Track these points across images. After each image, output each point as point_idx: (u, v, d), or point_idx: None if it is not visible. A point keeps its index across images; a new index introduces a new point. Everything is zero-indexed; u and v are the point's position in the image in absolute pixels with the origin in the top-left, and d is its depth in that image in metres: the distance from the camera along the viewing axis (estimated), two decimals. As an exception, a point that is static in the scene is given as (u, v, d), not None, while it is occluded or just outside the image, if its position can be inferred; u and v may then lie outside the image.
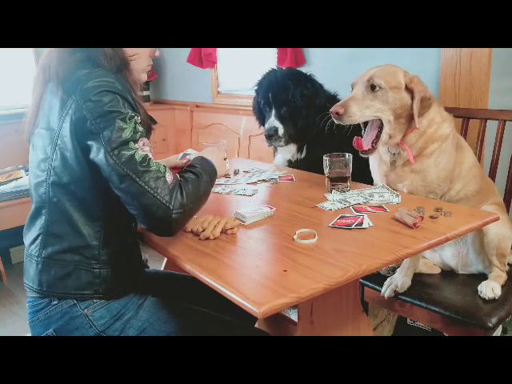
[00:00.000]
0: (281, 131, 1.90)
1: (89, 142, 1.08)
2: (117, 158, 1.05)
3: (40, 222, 1.16)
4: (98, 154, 1.07)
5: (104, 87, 1.07)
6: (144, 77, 1.29)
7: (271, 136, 1.90)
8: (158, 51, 1.31)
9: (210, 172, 1.24)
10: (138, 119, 1.11)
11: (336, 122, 1.44)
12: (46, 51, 1.20)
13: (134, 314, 1.19)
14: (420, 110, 1.42)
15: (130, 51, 1.20)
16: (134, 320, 1.18)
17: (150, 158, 1.08)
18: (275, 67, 2.04)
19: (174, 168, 1.41)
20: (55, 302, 1.15)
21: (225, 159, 1.78)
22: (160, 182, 1.06)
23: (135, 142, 1.07)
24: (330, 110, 1.43)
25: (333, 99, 1.93)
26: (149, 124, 1.25)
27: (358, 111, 1.41)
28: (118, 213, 1.15)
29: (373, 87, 1.42)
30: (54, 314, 1.15)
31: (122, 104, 1.08)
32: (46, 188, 1.15)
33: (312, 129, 1.87)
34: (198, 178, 1.16)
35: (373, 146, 1.46)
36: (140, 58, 1.24)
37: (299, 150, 1.96)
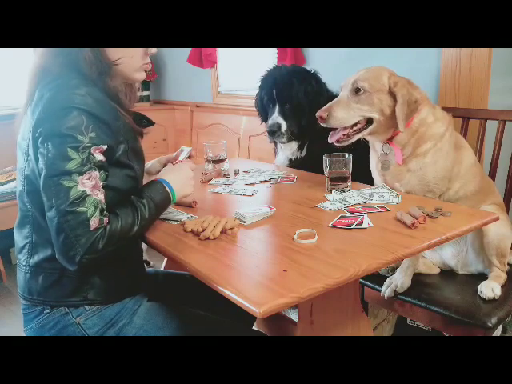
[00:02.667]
0: (284, 127, 1.90)
1: (39, 156, 1.05)
2: (53, 186, 1.01)
3: (25, 231, 1.16)
4: (40, 173, 1.04)
5: (71, 103, 1.03)
6: (140, 76, 1.22)
7: (274, 132, 1.90)
8: (154, 49, 1.23)
9: (160, 201, 1.17)
10: (97, 149, 1.05)
11: (322, 125, 1.47)
12: (36, 54, 1.15)
13: (129, 321, 1.17)
14: (407, 114, 1.42)
15: (114, 55, 1.14)
16: (128, 327, 1.17)
17: (86, 196, 1.02)
18: (280, 64, 2.03)
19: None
20: (47, 311, 1.14)
21: (224, 159, 1.79)
22: (82, 226, 1.00)
23: (80, 174, 1.02)
24: (316, 114, 1.46)
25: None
26: (138, 129, 1.22)
27: (342, 114, 1.44)
28: None
29: (357, 90, 1.45)
30: (46, 323, 1.15)
31: (84, 127, 1.03)
32: (27, 197, 1.14)
33: (315, 126, 1.87)
34: (136, 215, 1.09)
35: (348, 135, 1.48)
36: (131, 59, 1.18)
37: (300, 147, 1.96)
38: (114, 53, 1.14)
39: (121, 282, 1.19)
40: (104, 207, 1.06)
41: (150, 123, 1.31)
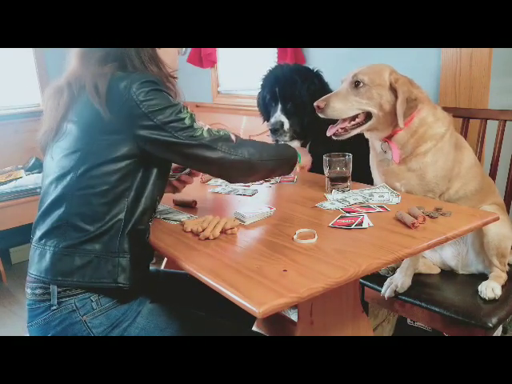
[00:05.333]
0: (286, 126, 1.89)
1: (154, 136, 1.15)
2: (193, 140, 1.17)
3: (58, 213, 1.15)
4: (170, 142, 1.16)
5: (152, 86, 1.15)
6: (177, 64, 1.36)
7: (276, 130, 1.89)
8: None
9: (288, 150, 1.42)
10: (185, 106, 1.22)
11: (320, 115, 1.47)
12: (70, 68, 1.23)
13: (132, 322, 1.18)
14: (406, 111, 1.42)
15: (173, 65, 1.30)
16: (132, 328, 1.17)
17: (210, 129, 1.21)
18: (282, 63, 2.02)
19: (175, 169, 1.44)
20: (54, 308, 1.14)
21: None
22: (230, 143, 1.22)
23: (196, 122, 1.20)
24: (314, 103, 1.46)
25: None
26: None
27: (340, 105, 1.45)
28: (140, 203, 1.19)
29: (356, 83, 1.45)
30: (52, 320, 1.14)
31: (171, 99, 1.18)
32: (71, 179, 1.15)
33: (317, 126, 1.86)
34: (263, 148, 1.30)
35: (345, 129, 1.48)
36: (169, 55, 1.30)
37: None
38: (173, 62, 1.32)
39: (142, 267, 1.22)
40: None
41: None
